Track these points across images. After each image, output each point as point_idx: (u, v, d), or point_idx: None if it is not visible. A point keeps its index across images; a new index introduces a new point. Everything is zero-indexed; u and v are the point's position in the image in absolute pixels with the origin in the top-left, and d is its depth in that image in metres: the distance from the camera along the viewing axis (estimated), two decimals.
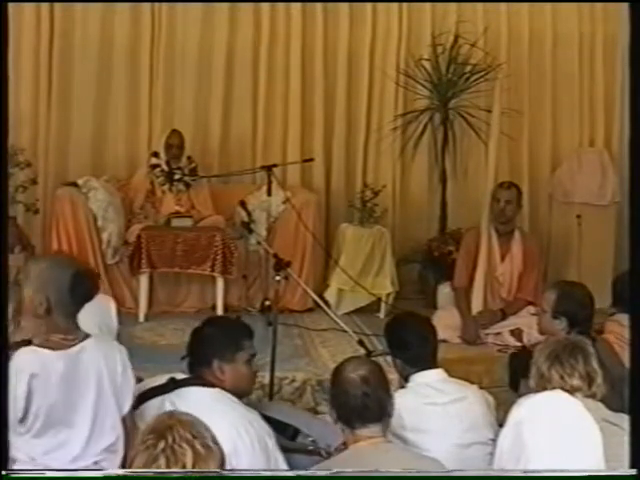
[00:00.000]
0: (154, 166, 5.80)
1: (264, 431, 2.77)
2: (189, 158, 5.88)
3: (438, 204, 6.29)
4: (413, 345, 3.21)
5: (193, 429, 1.91)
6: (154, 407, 2.69)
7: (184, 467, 1.86)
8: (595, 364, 2.68)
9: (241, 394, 2.93)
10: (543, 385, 2.64)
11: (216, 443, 1.93)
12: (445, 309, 5.32)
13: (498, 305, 5.21)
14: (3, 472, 2.12)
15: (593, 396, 2.64)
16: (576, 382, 2.63)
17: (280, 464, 2.74)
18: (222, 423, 2.27)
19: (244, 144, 6.42)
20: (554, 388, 2.56)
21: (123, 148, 6.32)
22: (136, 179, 5.96)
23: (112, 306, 3.72)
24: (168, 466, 1.86)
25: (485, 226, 5.23)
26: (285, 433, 3.09)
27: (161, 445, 1.88)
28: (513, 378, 3.89)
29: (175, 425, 1.91)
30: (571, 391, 2.52)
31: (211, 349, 2.90)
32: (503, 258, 5.24)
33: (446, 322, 4.91)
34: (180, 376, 2.89)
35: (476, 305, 5.18)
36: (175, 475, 1.86)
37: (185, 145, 5.83)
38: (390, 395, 2.58)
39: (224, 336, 2.95)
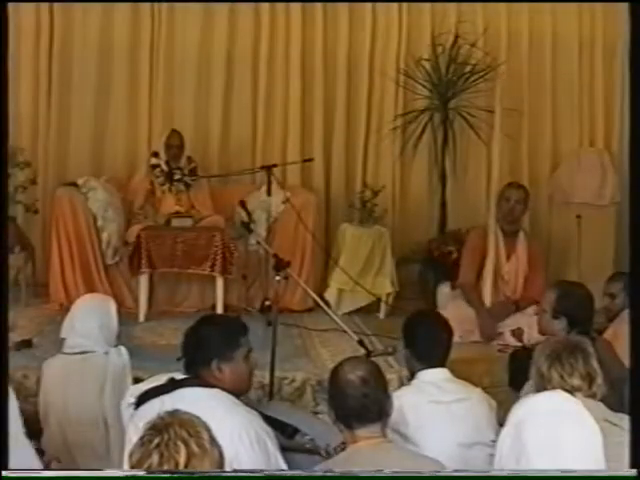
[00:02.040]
0: (154, 166, 5.80)
1: (264, 432, 2.76)
2: (189, 158, 5.88)
3: (438, 204, 6.29)
4: (424, 341, 3.21)
5: (191, 428, 1.89)
6: (153, 407, 2.68)
7: (177, 465, 1.84)
8: (595, 364, 2.68)
9: (240, 392, 2.92)
10: (543, 385, 2.64)
11: (214, 444, 1.92)
12: (445, 309, 5.31)
13: None
14: (3, 473, 2.11)
15: (593, 396, 2.64)
16: (576, 382, 2.63)
17: (280, 465, 2.72)
18: (222, 425, 2.25)
19: (244, 144, 6.42)
20: (554, 388, 2.55)
21: (123, 148, 6.33)
22: (136, 179, 5.97)
23: (112, 306, 3.73)
24: (161, 463, 1.84)
25: (492, 225, 5.23)
26: (284, 432, 3.08)
27: (156, 441, 1.87)
28: (513, 378, 3.90)
29: (173, 423, 1.90)
30: (571, 391, 2.51)
31: (208, 349, 2.87)
32: (509, 257, 5.26)
33: None
34: (179, 376, 2.88)
35: None
36: (173, 475, 1.85)
37: (185, 145, 5.83)
38: (388, 395, 2.58)
39: (220, 335, 2.92)
